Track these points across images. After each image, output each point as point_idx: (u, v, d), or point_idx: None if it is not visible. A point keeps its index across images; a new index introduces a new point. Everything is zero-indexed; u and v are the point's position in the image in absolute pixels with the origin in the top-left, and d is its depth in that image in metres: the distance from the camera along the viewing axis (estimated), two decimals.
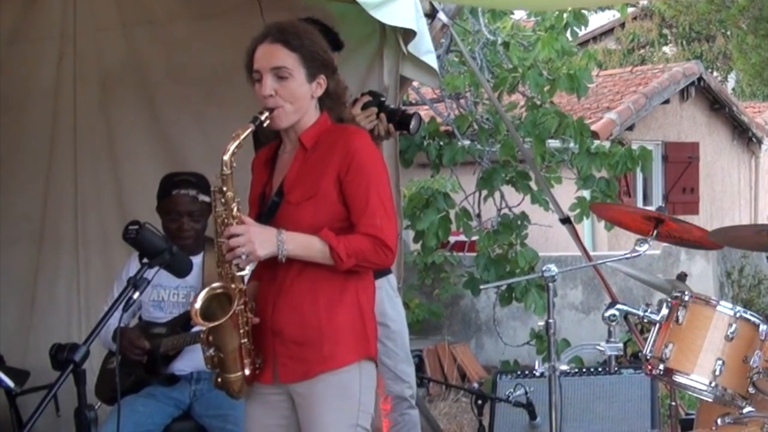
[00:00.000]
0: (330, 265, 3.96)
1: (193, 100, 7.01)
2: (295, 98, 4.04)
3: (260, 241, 3.90)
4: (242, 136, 3.95)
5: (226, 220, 3.96)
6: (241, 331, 4.01)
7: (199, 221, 5.54)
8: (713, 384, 4.55)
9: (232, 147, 3.93)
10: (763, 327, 4.52)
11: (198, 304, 3.98)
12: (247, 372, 4.06)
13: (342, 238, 3.95)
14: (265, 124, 4.02)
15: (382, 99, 5.42)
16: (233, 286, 3.98)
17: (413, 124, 5.33)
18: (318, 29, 5.39)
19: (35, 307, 7.60)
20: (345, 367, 4.02)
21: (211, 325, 3.96)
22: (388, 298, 5.68)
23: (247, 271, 3.98)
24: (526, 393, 5.90)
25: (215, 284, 4.02)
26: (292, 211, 4.04)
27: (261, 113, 4.00)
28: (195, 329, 5.42)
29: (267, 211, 4.10)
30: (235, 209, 3.96)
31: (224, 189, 3.96)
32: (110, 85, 7.37)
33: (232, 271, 3.97)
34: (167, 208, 5.52)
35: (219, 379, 4.10)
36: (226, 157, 3.94)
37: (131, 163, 7.29)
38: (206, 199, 5.49)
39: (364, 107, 5.31)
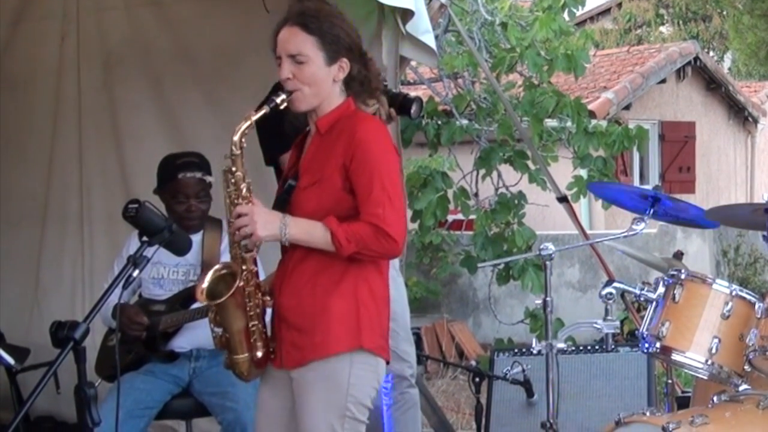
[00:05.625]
0: (332, 252, 3.94)
1: (199, 80, 7.02)
2: (314, 81, 4.01)
3: (263, 222, 3.90)
4: (254, 118, 3.95)
5: (235, 201, 3.96)
6: (251, 313, 4.02)
7: (205, 201, 5.56)
8: (709, 362, 4.56)
9: (243, 127, 3.93)
10: (759, 305, 4.53)
11: (205, 284, 4.00)
12: (259, 354, 4.07)
13: (344, 224, 3.92)
14: (282, 107, 4.00)
15: (384, 83, 5.42)
16: (244, 267, 3.99)
17: (414, 108, 5.32)
18: None
19: (39, 286, 7.64)
20: (334, 356, 3.99)
21: (213, 303, 3.99)
22: (389, 277, 5.70)
23: (254, 253, 3.99)
24: (524, 371, 5.93)
25: (221, 264, 4.04)
26: (299, 195, 4.05)
27: (278, 95, 3.99)
28: (194, 306, 5.45)
29: (283, 194, 4.11)
30: (245, 189, 3.95)
31: (233, 169, 3.95)
32: (113, 64, 7.39)
33: (241, 252, 3.99)
34: (174, 190, 5.52)
35: (227, 359, 4.12)
36: (236, 138, 3.92)
37: (135, 142, 7.31)
38: (210, 178, 5.52)
39: None
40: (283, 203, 4.07)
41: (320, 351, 3.98)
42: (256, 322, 4.04)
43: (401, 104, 5.28)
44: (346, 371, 4.01)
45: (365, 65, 4.14)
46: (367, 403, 4.08)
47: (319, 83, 4.02)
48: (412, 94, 5.55)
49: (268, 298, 4.07)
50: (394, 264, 5.76)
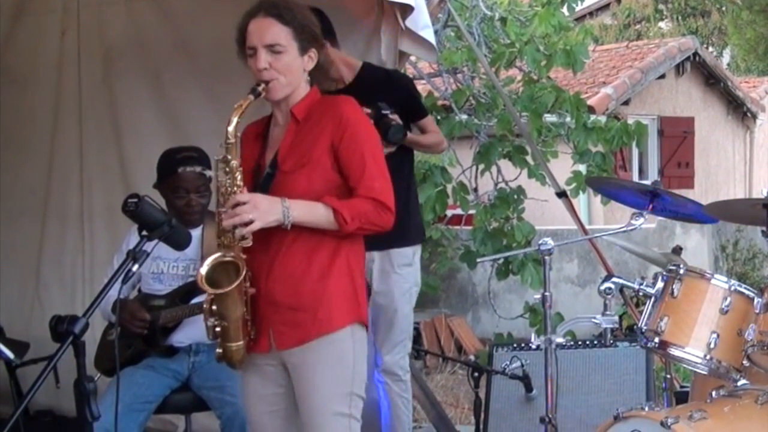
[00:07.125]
0: (331, 230, 4.01)
1: (199, 75, 7.02)
2: (289, 71, 4.09)
3: (265, 207, 3.94)
4: (244, 107, 4.01)
5: (229, 189, 4.00)
6: (244, 299, 4.05)
7: (205, 196, 5.56)
8: (708, 357, 4.57)
9: (235, 118, 3.99)
10: (757, 300, 4.53)
11: (204, 270, 4.02)
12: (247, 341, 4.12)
13: (344, 201, 4.01)
14: (262, 96, 4.08)
15: (383, 112, 5.43)
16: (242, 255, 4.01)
17: (390, 133, 5.35)
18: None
19: (40, 280, 7.64)
20: (338, 331, 4.07)
21: (220, 291, 3.99)
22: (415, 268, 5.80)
23: (248, 240, 4.00)
24: (522, 366, 5.93)
25: (222, 253, 4.04)
26: (285, 180, 4.08)
27: (258, 85, 4.06)
28: (194, 301, 5.46)
29: (262, 183, 4.13)
30: (239, 178, 4.00)
31: (228, 158, 4.01)
32: (113, 59, 7.39)
33: (234, 241, 4.00)
34: (174, 185, 5.53)
35: (221, 350, 4.13)
36: (230, 128, 3.99)
37: (136, 137, 7.31)
38: (209, 173, 5.53)
39: None
40: (262, 192, 4.08)
41: (325, 326, 4.05)
42: (245, 309, 4.07)
43: (377, 126, 5.30)
44: (349, 347, 4.10)
45: (325, 55, 4.25)
46: (365, 378, 4.20)
47: (293, 72, 4.11)
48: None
49: (248, 285, 4.08)
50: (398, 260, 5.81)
